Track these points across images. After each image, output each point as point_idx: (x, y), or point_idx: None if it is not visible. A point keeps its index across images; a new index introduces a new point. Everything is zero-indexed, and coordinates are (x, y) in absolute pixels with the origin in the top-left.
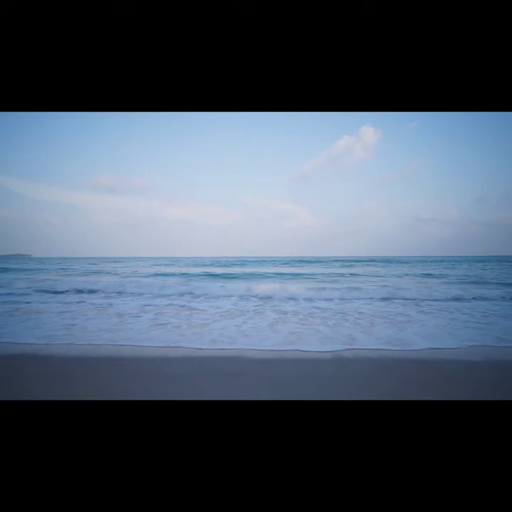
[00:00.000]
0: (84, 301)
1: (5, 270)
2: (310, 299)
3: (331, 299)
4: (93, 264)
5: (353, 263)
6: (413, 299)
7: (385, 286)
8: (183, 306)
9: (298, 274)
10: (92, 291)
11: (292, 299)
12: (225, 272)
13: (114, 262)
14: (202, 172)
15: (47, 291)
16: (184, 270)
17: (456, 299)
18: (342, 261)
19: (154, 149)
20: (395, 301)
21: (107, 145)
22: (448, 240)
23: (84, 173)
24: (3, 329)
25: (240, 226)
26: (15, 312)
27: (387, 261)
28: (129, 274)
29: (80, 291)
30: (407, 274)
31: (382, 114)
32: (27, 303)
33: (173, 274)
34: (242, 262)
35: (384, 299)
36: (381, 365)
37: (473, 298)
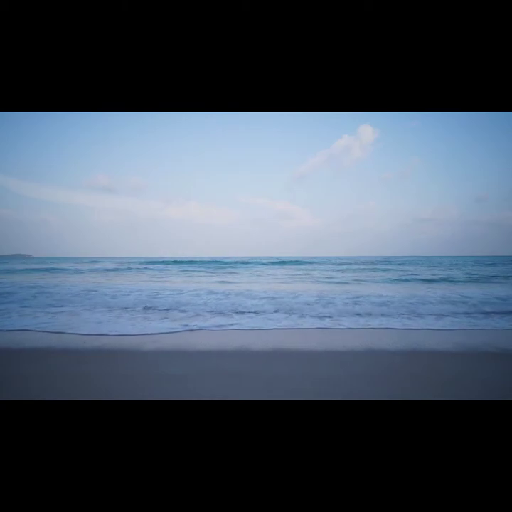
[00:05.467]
0: None
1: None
2: None
3: None
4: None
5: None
6: None
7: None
8: None
9: None
10: None
11: None
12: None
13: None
14: (201, 172)
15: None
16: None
17: None
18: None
19: (154, 149)
20: None
21: (107, 145)
22: (447, 239)
23: (84, 173)
24: None
25: (238, 226)
26: None
27: (386, 261)
28: None
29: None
30: None
31: (382, 113)
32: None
33: None
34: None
35: None
36: (381, 364)
37: None
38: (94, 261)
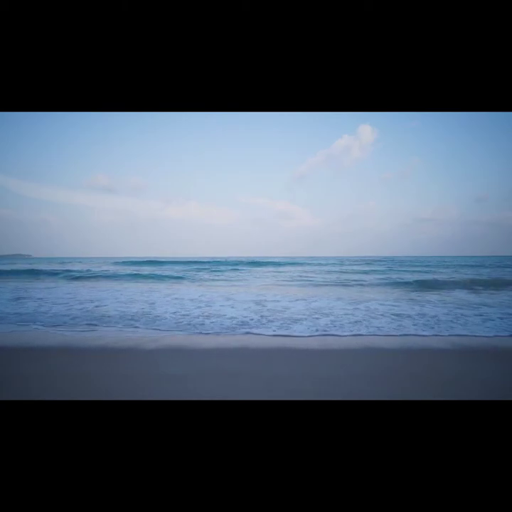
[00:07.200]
0: None
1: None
2: None
3: None
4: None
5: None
6: None
7: None
8: None
9: None
10: None
11: None
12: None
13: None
14: (201, 172)
15: None
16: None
17: None
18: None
19: (154, 149)
20: None
21: (107, 145)
22: (447, 239)
23: (84, 173)
24: None
25: (238, 226)
26: None
27: (386, 260)
28: None
29: None
30: None
31: (382, 113)
32: None
33: None
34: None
35: None
36: (381, 364)
37: None
38: (80, 261)
